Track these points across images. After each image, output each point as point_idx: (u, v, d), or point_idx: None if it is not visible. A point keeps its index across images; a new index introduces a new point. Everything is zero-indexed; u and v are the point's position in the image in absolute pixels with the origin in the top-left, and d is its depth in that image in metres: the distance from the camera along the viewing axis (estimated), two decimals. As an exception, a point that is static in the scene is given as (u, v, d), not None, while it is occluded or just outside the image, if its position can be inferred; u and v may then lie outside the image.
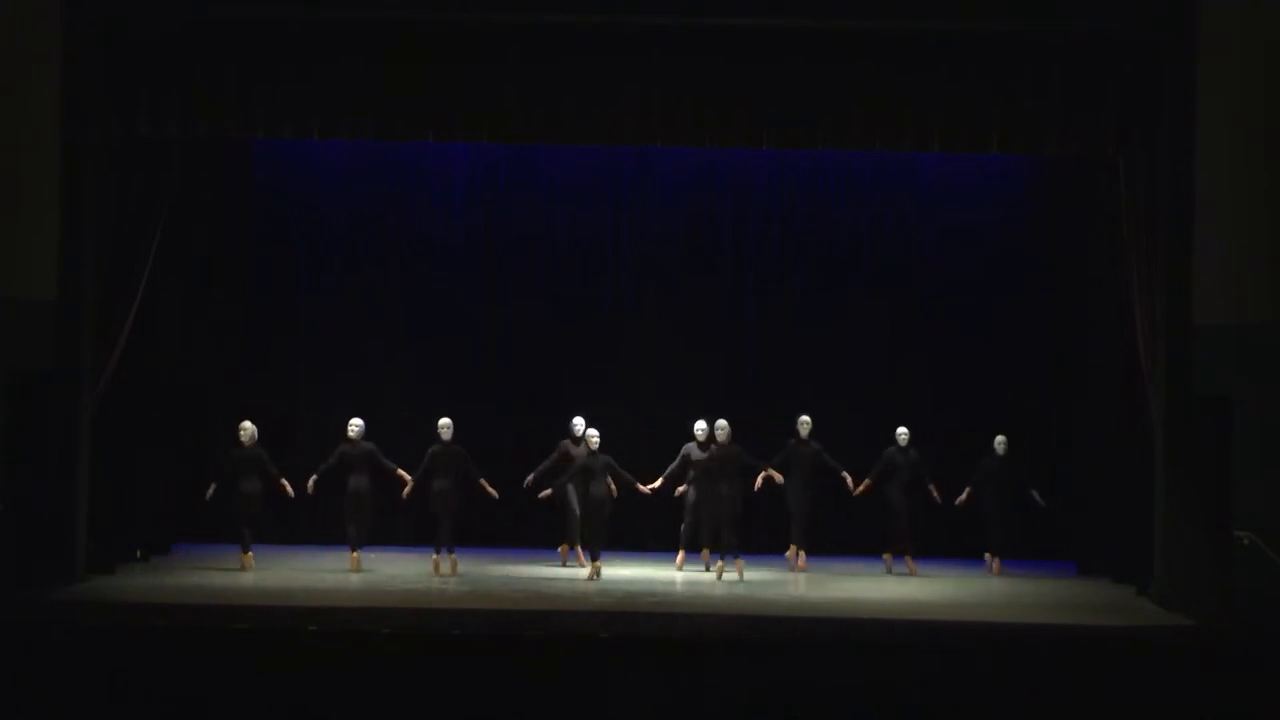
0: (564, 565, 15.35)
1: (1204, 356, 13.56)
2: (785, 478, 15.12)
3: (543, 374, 17.01)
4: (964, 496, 15.44)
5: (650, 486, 15.00)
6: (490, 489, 14.96)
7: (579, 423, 15.18)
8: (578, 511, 15.09)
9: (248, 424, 14.97)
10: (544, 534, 15.81)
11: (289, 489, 14.83)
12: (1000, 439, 15.53)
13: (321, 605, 12.56)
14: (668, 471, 15.10)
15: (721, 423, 14.83)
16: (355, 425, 14.93)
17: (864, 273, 17.27)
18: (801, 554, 15.40)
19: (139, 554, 15.06)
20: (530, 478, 14.96)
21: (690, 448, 15.09)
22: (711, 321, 17.25)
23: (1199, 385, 13.55)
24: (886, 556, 15.49)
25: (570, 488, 15.06)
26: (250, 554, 14.76)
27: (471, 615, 12.25)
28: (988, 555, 15.67)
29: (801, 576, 15.07)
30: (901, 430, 15.43)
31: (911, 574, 15.22)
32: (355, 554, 14.85)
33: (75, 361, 13.73)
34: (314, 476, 14.81)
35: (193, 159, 15.38)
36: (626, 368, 17.14)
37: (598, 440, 14.87)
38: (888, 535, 15.46)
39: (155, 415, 15.55)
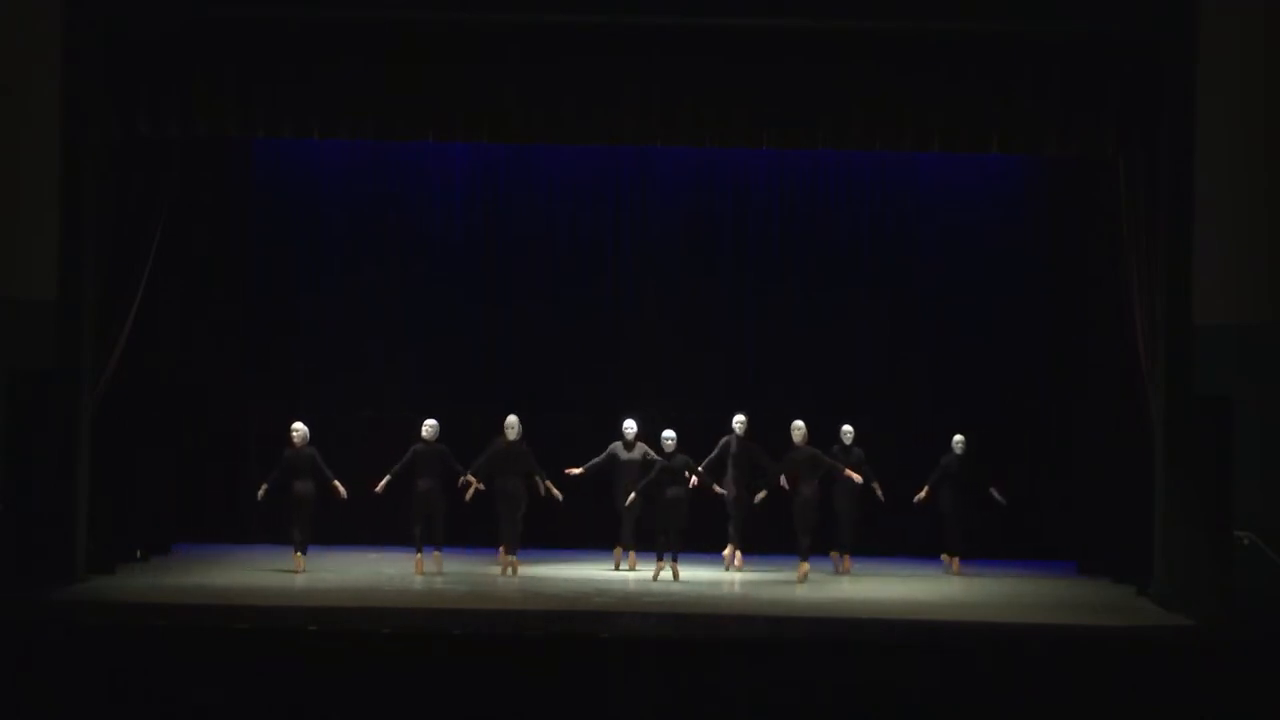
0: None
1: (1204, 356, 13.55)
2: (723, 476, 15.06)
3: (543, 374, 17.00)
4: (922, 494, 15.35)
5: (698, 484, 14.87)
6: (556, 490, 14.89)
7: (513, 420, 15.00)
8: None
9: (299, 425, 14.85)
10: (544, 534, 15.79)
11: (341, 490, 14.74)
12: (958, 438, 15.43)
13: (321, 605, 12.56)
14: (591, 463, 15.13)
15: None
16: (430, 425, 14.86)
17: (864, 273, 17.27)
18: (738, 553, 15.27)
19: (139, 554, 15.04)
20: (468, 475, 14.84)
21: (616, 447, 15.14)
22: (711, 321, 17.25)
23: (1199, 385, 13.55)
24: (834, 555, 15.42)
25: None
26: (303, 555, 14.65)
27: (471, 615, 12.25)
28: (945, 555, 15.55)
29: (738, 575, 14.98)
30: (846, 428, 15.30)
31: (847, 571, 15.12)
32: (420, 556, 14.72)
33: (75, 361, 13.72)
34: (387, 477, 14.74)
35: (193, 159, 15.38)
36: (626, 368, 17.13)
37: (673, 441, 14.76)
38: (833, 534, 15.39)
39: (155, 415, 15.55)
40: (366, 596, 13.28)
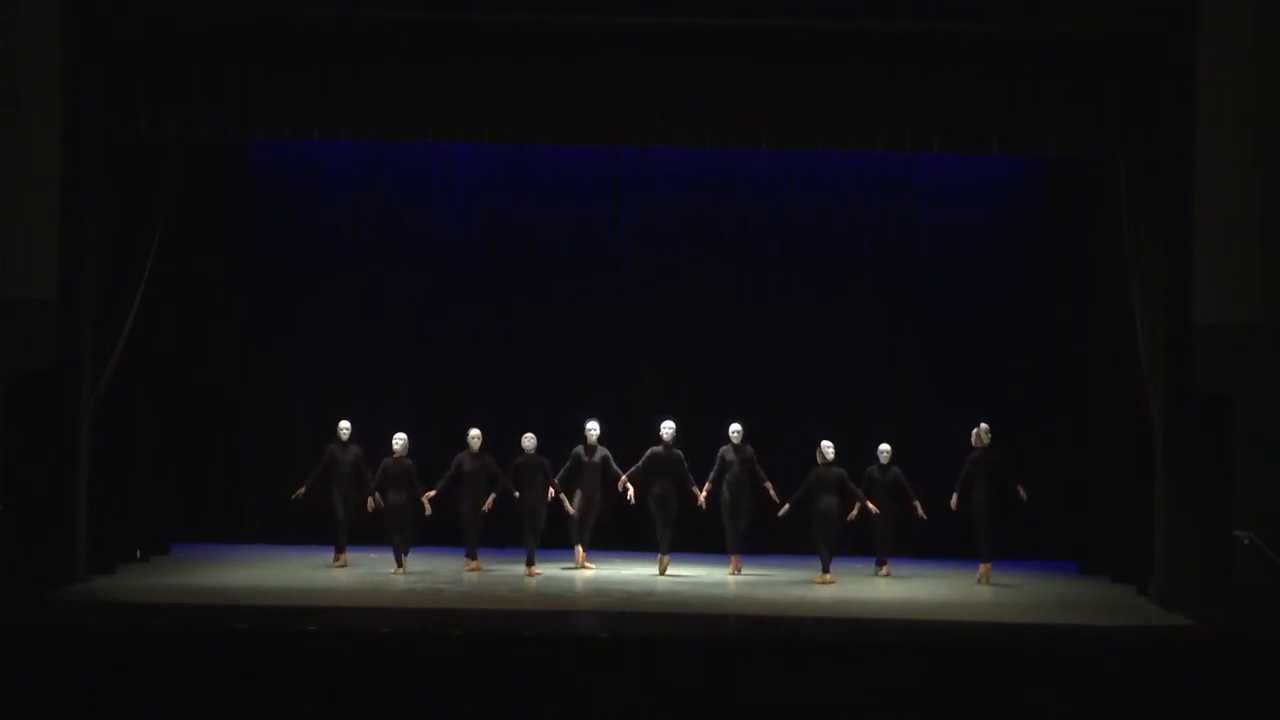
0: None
1: (1204, 356, 13.56)
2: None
3: (543, 374, 17.01)
4: (853, 513, 14.87)
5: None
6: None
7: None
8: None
9: (401, 435, 14.87)
10: (546, 536, 15.79)
11: (428, 506, 14.75)
12: (884, 447, 15.07)
13: (321, 605, 12.56)
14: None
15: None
16: (530, 438, 14.94)
17: (864, 272, 17.27)
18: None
19: (139, 554, 15.04)
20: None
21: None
22: (711, 322, 17.25)
23: (1199, 385, 13.55)
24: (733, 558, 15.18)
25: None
26: (404, 559, 14.71)
27: (471, 615, 12.25)
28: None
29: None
30: (734, 426, 15.07)
31: (735, 572, 14.94)
32: (533, 566, 14.82)
33: (75, 361, 13.72)
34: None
35: (193, 159, 15.40)
36: (626, 367, 17.15)
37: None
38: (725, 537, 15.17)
39: (155, 415, 15.56)
40: (366, 597, 13.28)
